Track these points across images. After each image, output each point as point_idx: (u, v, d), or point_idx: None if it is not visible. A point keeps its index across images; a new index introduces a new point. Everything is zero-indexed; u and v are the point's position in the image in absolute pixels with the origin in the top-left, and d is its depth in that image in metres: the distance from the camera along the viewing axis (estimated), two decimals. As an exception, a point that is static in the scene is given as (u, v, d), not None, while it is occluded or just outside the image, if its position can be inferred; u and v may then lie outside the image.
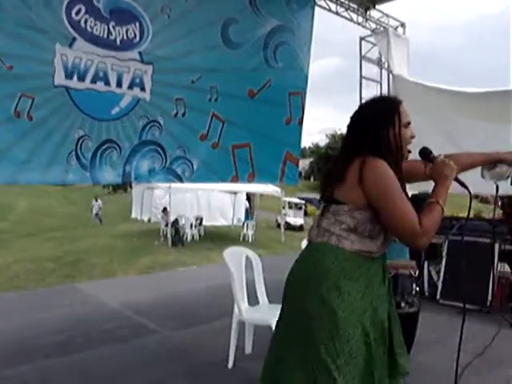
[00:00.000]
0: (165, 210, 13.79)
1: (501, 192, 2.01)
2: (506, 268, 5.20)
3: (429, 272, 5.57)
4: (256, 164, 4.65)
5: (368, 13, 6.10)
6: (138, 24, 3.65)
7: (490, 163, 1.89)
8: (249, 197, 18.64)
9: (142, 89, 3.77)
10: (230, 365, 3.35)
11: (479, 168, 1.92)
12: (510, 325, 4.39)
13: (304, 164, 45.88)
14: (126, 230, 15.17)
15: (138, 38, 3.66)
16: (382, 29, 6.26)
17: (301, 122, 5.05)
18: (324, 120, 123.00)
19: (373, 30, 6.30)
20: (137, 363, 3.52)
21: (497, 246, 5.01)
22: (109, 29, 3.48)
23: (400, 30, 6.55)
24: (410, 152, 1.65)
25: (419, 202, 1.63)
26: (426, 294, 5.46)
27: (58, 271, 8.10)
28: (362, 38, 6.57)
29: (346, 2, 5.73)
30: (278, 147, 4.88)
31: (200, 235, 14.16)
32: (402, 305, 2.86)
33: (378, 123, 1.59)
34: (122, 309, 5.20)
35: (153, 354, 3.73)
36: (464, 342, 1.77)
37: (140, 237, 13.39)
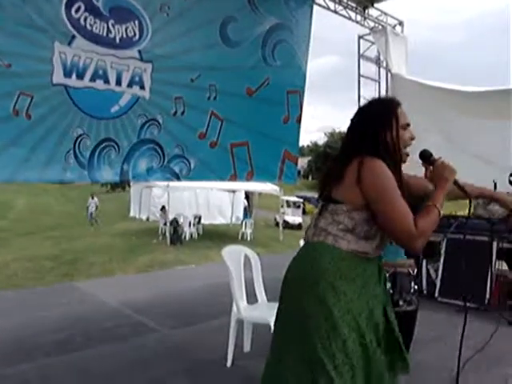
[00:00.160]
0: (163, 208, 13.76)
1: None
2: (504, 266, 5.21)
3: (427, 270, 5.57)
4: (254, 162, 4.65)
5: (366, 11, 6.11)
6: (137, 22, 3.65)
7: (485, 198, 1.94)
8: (247, 195, 18.61)
9: (142, 87, 3.78)
10: (229, 363, 3.35)
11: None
12: (508, 323, 4.40)
13: (302, 162, 45.91)
14: (124, 229, 15.17)
15: (137, 37, 3.66)
16: (380, 27, 6.28)
17: (299, 121, 5.06)
18: (322, 118, 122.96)
19: (371, 29, 6.31)
20: (136, 361, 3.52)
21: (495, 244, 5.02)
22: (108, 27, 3.48)
23: (398, 28, 6.57)
24: (408, 155, 1.66)
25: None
26: (425, 292, 5.46)
27: (56, 270, 8.10)
28: (360, 37, 6.58)
29: (345, 1, 5.74)
30: (277, 146, 4.89)
31: (198, 234, 14.15)
32: (401, 303, 2.87)
33: (376, 125, 1.60)
34: (121, 307, 5.20)
35: (152, 352, 3.73)
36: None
37: (138, 235, 13.39)
